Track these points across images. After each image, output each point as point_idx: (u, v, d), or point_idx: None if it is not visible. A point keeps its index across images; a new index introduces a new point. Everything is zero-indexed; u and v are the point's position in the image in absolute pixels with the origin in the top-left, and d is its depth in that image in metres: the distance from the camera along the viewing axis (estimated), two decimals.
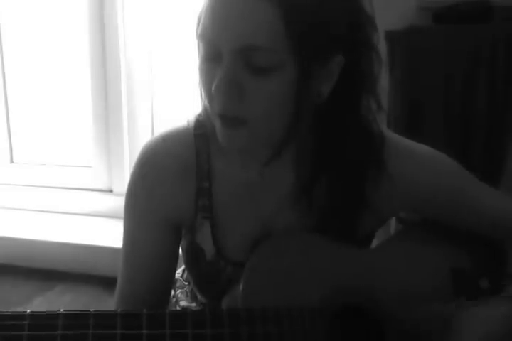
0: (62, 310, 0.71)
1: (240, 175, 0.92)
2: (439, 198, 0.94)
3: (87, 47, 2.33)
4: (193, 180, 0.92)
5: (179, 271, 1.19)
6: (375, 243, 1.03)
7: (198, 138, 0.92)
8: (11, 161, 2.59)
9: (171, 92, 2.36)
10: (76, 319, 0.71)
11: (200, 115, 0.93)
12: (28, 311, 0.70)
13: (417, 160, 0.93)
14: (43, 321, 0.70)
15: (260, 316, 0.77)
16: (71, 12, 2.38)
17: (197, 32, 0.80)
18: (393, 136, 0.94)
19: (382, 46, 1.64)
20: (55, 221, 2.39)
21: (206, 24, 0.77)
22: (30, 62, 2.50)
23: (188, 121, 0.94)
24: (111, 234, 2.16)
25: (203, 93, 0.83)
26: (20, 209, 2.47)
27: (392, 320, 0.88)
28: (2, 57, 2.49)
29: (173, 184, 0.91)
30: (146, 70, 2.33)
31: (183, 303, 1.10)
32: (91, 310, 0.72)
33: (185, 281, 1.15)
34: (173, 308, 1.11)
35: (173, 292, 1.15)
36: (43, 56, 2.47)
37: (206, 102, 0.83)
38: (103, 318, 0.72)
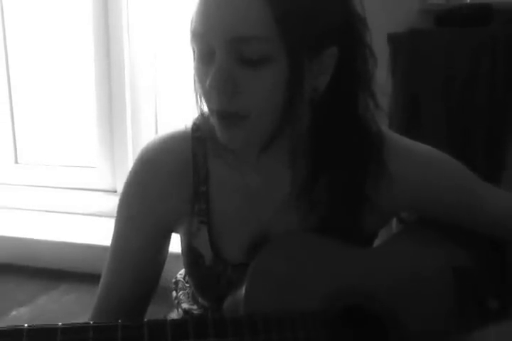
0: (60, 324, 0.69)
1: (237, 179, 0.92)
2: (440, 197, 0.94)
3: (92, 49, 2.33)
4: (189, 184, 0.91)
5: (181, 272, 1.18)
6: (377, 243, 1.02)
7: (196, 141, 0.92)
8: (16, 162, 2.59)
9: (175, 94, 2.36)
10: (75, 333, 0.69)
11: (197, 119, 0.93)
12: (26, 325, 0.68)
13: (418, 159, 0.92)
14: (40, 337, 0.68)
15: (263, 323, 0.76)
16: (76, 15, 2.39)
17: (190, 33, 0.80)
18: (394, 136, 0.93)
19: (384, 48, 1.65)
20: (60, 221, 2.40)
21: (197, 23, 0.77)
22: (35, 64, 2.51)
23: (185, 125, 0.93)
24: None
25: (200, 94, 0.83)
26: (24, 210, 2.48)
27: (395, 320, 0.88)
28: (7, 59, 2.49)
29: (168, 187, 0.91)
30: (150, 72, 2.34)
31: (184, 305, 1.09)
32: (91, 322, 0.71)
33: (186, 283, 1.14)
34: (176, 310, 1.10)
35: (175, 293, 1.14)
36: (48, 57, 2.48)
37: (204, 102, 0.83)
38: (103, 331, 0.70)
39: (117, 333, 0.70)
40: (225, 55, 0.76)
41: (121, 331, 0.70)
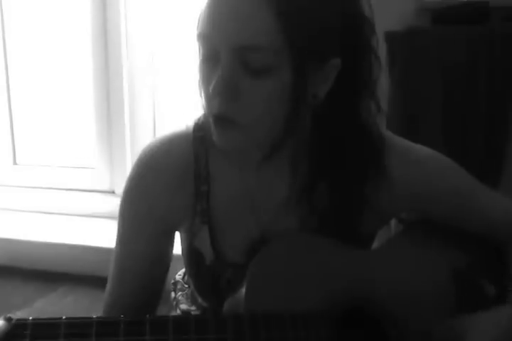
0: (64, 318, 0.71)
1: (238, 180, 0.92)
2: (439, 199, 0.94)
3: (90, 50, 2.33)
4: (191, 184, 0.92)
5: (180, 273, 1.19)
6: (376, 243, 1.03)
7: (197, 141, 0.92)
8: (14, 163, 2.58)
9: (173, 95, 2.36)
10: (78, 327, 0.70)
11: (199, 119, 0.94)
12: (30, 318, 0.70)
13: (416, 160, 0.93)
14: (44, 330, 0.69)
15: (263, 321, 0.77)
16: (74, 18, 2.38)
17: (197, 32, 0.80)
18: (392, 137, 0.94)
19: (381, 47, 1.65)
20: (58, 222, 2.39)
21: (205, 25, 0.78)
22: (33, 65, 2.50)
23: (186, 125, 0.94)
24: (113, 236, 2.13)
25: (202, 93, 0.83)
26: (23, 211, 2.47)
27: (395, 321, 0.88)
28: (6, 60, 2.49)
29: (170, 187, 0.91)
30: (148, 74, 2.33)
31: (183, 306, 1.10)
32: (93, 316, 0.72)
33: (185, 284, 1.15)
34: (174, 311, 1.11)
35: (173, 294, 1.15)
36: (46, 58, 2.47)
37: (204, 102, 0.83)
38: (106, 325, 0.71)
39: (120, 328, 0.71)
40: (230, 62, 0.76)
41: (124, 326, 0.71)
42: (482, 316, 0.88)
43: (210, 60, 0.79)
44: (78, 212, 2.43)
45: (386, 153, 0.90)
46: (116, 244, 0.96)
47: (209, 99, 0.81)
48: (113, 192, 2.42)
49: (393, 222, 1.36)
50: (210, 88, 0.78)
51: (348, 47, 0.81)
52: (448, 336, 0.88)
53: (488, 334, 0.85)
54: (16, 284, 2.13)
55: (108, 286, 0.97)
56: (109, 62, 2.31)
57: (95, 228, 2.31)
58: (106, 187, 2.44)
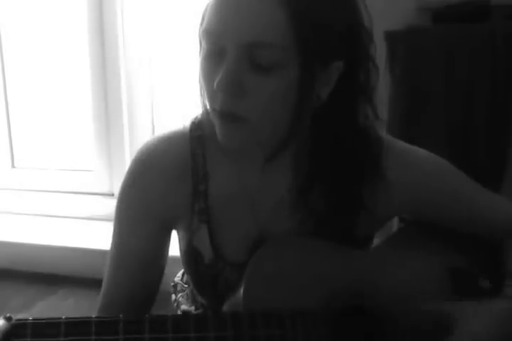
0: (63, 317, 0.71)
1: (237, 178, 0.92)
2: (436, 200, 0.95)
3: (87, 53, 2.33)
4: (188, 183, 0.92)
5: (179, 275, 1.21)
6: (376, 242, 1.03)
7: (194, 140, 0.92)
8: (13, 166, 2.59)
9: (171, 98, 2.36)
10: (78, 326, 0.71)
11: (196, 118, 0.94)
12: (30, 318, 0.70)
13: (414, 162, 0.93)
14: (44, 329, 0.70)
15: (263, 319, 0.77)
16: (70, 21, 2.38)
17: (200, 28, 0.80)
18: (391, 140, 0.95)
19: (381, 47, 1.64)
20: (57, 225, 2.39)
21: (212, 20, 0.77)
22: (31, 68, 2.51)
23: (183, 125, 0.94)
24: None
25: (203, 90, 0.83)
26: (22, 214, 2.47)
27: (393, 320, 0.88)
28: (3, 63, 2.49)
29: (167, 186, 0.91)
30: (146, 76, 2.33)
31: (183, 307, 1.10)
32: (93, 316, 0.73)
33: (185, 284, 1.15)
34: (175, 313, 1.11)
35: (174, 296, 1.16)
36: (44, 60, 2.48)
37: (206, 99, 0.83)
38: (105, 325, 0.72)
39: (119, 327, 0.72)
40: (236, 59, 0.76)
41: (123, 325, 0.72)
42: (475, 305, 0.86)
43: (215, 56, 0.78)
44: (77, 215, 2.42)
45: (384, 156, 0.91)
46: (113, 243, 0.95)
47: (212, 96, 0.80)
48: (112, 195, 2.42)
49: (395, 221, 1.36)
50: (215, 84, 0.77)
51: (348, 53, 0.82)
52: (435, 324, 0.87)
53: (481, 323, 0.83)
54: (16, 287, 2.13)
55: (103, 288, 0.96)
56: (106, 63, 2.31)
57: (95, 230, 2.31)
58: (105, 189, 2.44)
